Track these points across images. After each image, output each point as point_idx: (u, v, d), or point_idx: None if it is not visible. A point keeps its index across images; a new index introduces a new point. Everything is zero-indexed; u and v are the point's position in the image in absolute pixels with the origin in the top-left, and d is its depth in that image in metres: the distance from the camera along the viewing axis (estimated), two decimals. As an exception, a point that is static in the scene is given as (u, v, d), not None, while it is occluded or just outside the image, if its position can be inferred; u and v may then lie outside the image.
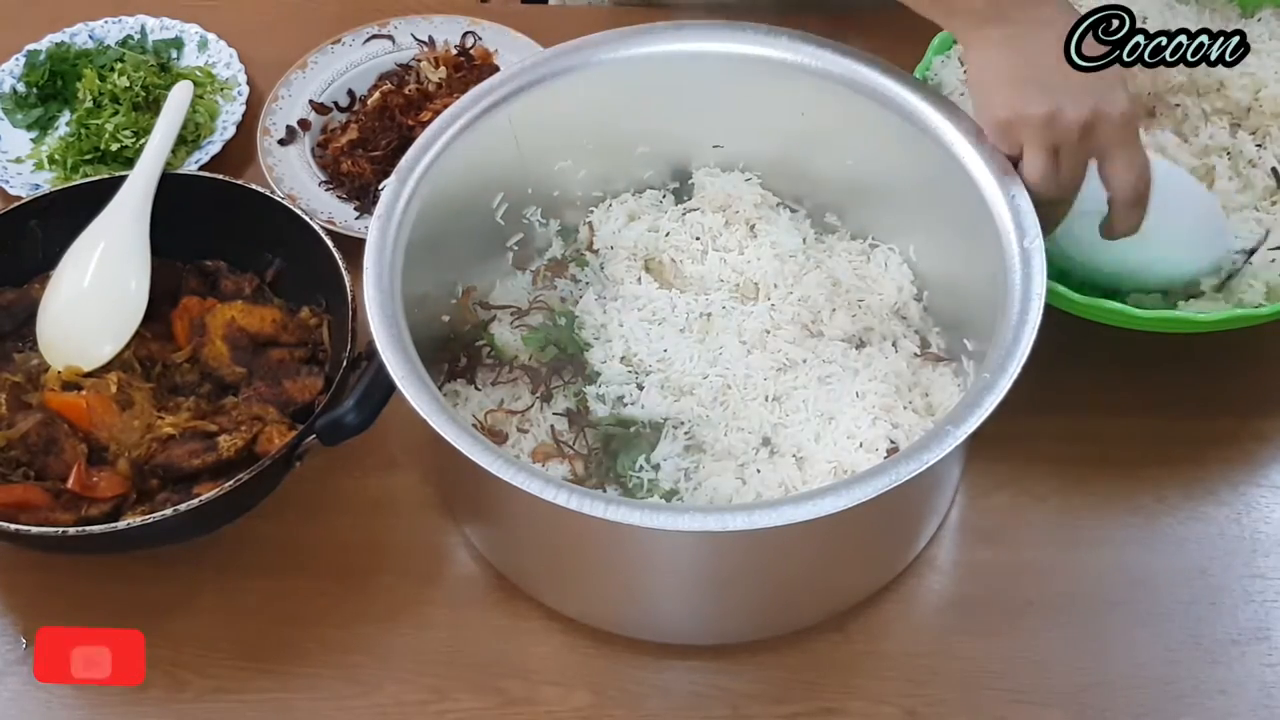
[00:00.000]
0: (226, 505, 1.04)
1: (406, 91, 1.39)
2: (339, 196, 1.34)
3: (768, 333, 1.11)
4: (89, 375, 1.13)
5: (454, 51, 1.44)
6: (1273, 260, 1.14)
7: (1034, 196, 1.00)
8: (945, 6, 1.03)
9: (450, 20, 1.47)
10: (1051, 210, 1.02)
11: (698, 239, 1.18)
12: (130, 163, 1.27)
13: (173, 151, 1.29)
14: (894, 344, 1.13)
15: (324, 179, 1.36)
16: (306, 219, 1.18)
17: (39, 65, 1.46)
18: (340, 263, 1.13)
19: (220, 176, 1.24)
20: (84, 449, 1.09)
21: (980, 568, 1.10)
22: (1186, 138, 1.21)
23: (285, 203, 1.21)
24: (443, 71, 1.41)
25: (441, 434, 0.92)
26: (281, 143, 1.38)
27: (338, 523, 1.13)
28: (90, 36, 1.49)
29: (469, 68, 1.42)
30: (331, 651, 1.06)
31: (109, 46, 1.48)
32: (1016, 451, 1.13)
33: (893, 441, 1.06)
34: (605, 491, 1.06)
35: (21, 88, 1.46)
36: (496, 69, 1.41)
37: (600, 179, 1.22)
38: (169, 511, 1.01)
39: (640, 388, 1.08)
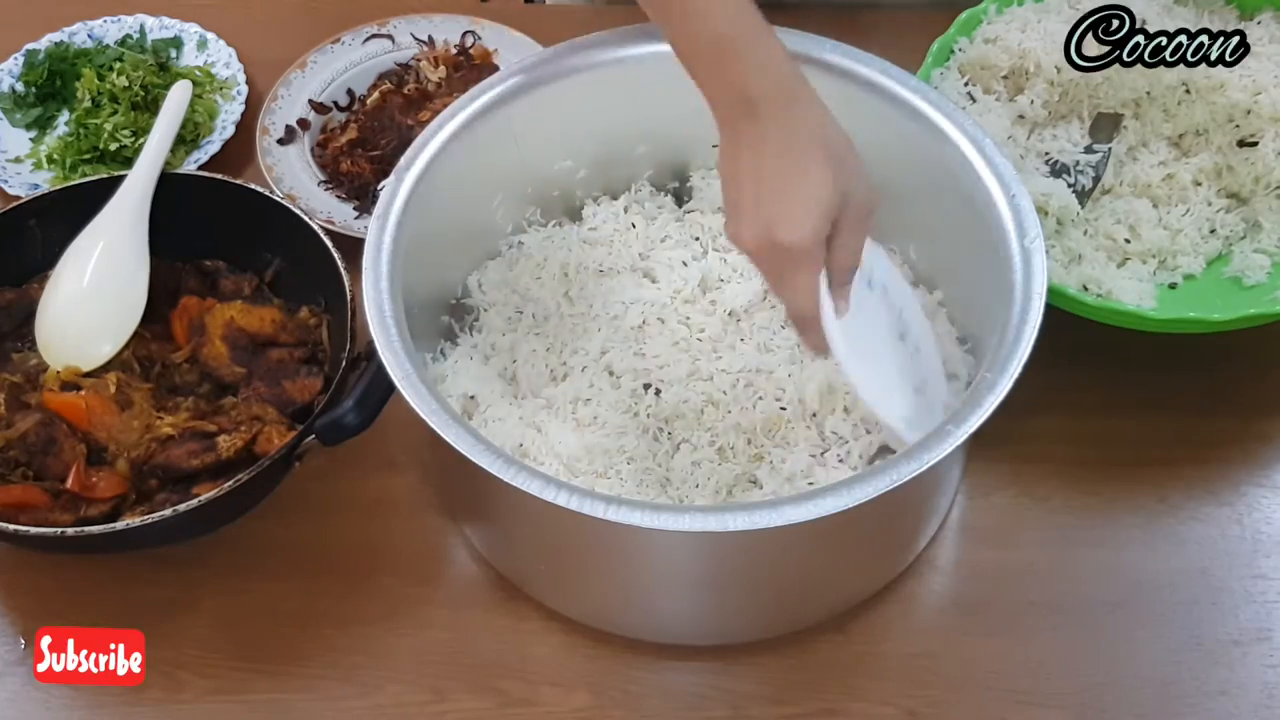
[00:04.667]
0: (226, 505, 1.03)
1: (406, 91, 1.39)
2: (338, 196, 1.34)
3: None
4: (88, 375, 1.13)
5: (453, 51, 1.44)
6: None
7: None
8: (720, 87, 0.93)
9: (450, 20, 1.46)
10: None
11: (697, 239, 1.18)
12: (129, 162, 1.27)
13: (172, 151, 1.29)
14: (894, 344, 1.13)
15: (323, 179, 1.35)
16: (306, 219, 1.17)
17: (38, 64, 1.46)
18: (339, 262, 1.13)
19: (219, 176, 1.24)
20: (83, 449, 1.09)
21: (981, 568, 1.10)
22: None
23: (284, 202, 1.20)
24: (442, 71, 1.40)
25: (441, 434, 0.92)
26: (281, 142, 1.38)
27: (337, 523, 1.13)
28: (89, 36, 1.49)
29: (468, 67, 1.42)
30: (331, 652, 1.06)
31: (108, 46, 1.48)
32: (1017, 451, 1.13)
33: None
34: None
35: (20, 87, 1.45)
36: (496, 69, 1.41)
37: (599, 179, 1.22)
38: (168, 512, 1.01)
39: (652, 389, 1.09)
